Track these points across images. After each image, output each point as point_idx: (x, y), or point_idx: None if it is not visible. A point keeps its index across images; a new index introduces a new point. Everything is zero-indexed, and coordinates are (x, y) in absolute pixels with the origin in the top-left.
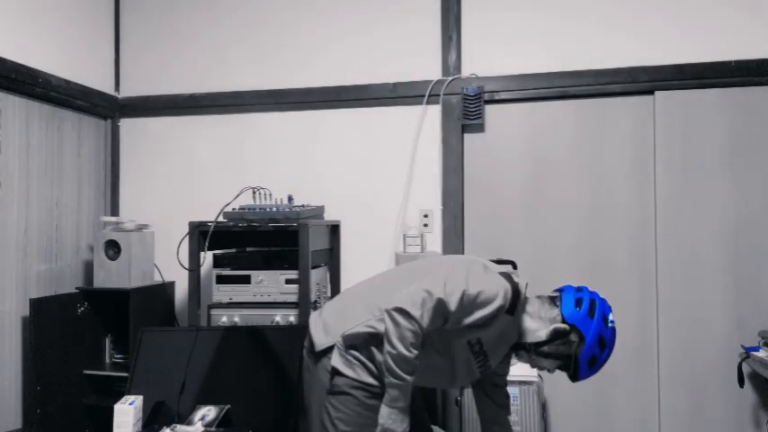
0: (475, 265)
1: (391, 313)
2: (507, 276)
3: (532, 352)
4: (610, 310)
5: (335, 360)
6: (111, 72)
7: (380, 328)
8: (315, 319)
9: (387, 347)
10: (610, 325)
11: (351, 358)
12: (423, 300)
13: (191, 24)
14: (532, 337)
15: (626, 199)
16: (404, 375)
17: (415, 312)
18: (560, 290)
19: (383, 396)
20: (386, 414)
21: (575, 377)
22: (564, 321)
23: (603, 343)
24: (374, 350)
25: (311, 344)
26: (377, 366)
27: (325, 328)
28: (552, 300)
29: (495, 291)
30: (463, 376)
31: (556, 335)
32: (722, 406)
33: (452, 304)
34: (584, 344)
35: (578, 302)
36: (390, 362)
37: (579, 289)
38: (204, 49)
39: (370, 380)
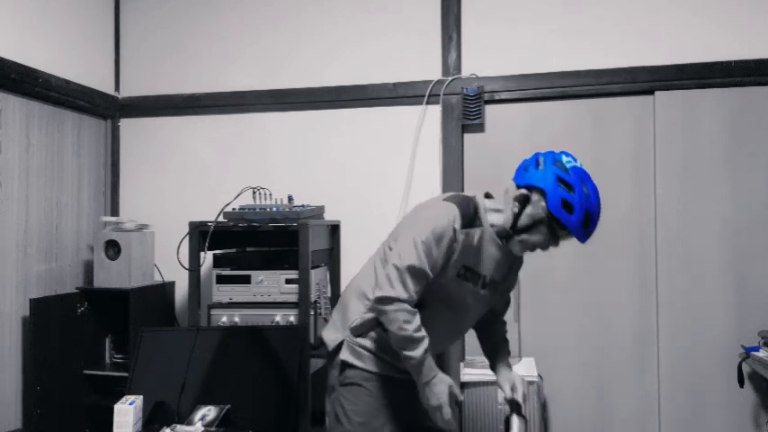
0: (420, 210)
1: (375, 306)
2: (453, 197)
3: (516, 235)
4: (567, 154)
5: (345, 354)
6: (111, 72)
7: (365, 307)
8: (326, 325)
9: (390, 336)
10: (568, 166)
11: (360, 349)
12: (392, 277)
13: (191, 24)
14: (508, 223)
15: (626, 199)
16: (413, 354)
17: (393, 292)
18: None
19: (394, 385)
20: (428, 395)
21: (573, 233)
22: (518, 188)
23: (567, 184)
24: (384, 334)
25: (325, 347)
26: (388, 351)
27: (334, 326)
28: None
29: (444, 220)
30: (474, 311)
31: (517, 203)
32: (722, 406)
33: (418, 260)
34: (546, 193)
35: (525, 166)
36: (397, 347)
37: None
38: (204, 49)
39: (379, 370)
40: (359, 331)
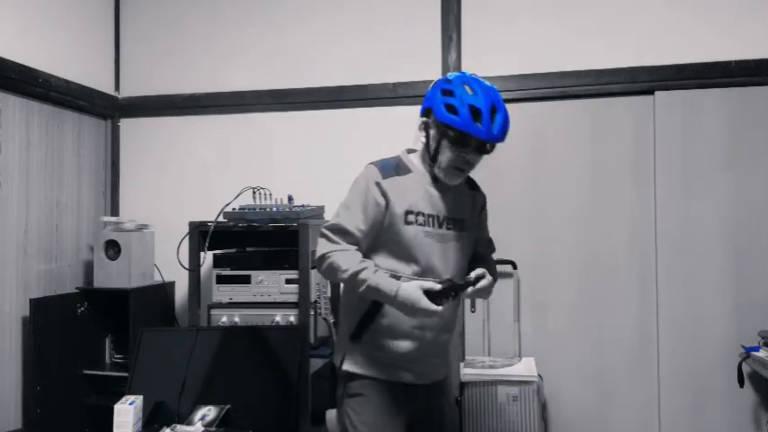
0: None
1: (319, 274)
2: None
3: (436, 162)
4: (454, 74)
5: (347, 364)
6: (111, 72)
7: (359, 307)
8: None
9: (343, 288)
10: (451, 77)
11: (359, 356)
12: (319, 241)
13: (191, 24)
14: (426, 157)
15: (626, 199)
16: (365, 281)
17: (320, 250)
18: None
19: (399, 393)
20: (403, 304)
21: (468, 132)
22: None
23: (448, 91)
24: (376, 325)
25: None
26: (385, 348)
27: (339, 341)
28: None
29: (362, 179)
30: (450, 253)
31: (421, 129)
32: (722, 406)
33: (338, 219)
34: (433, 107)
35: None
36: (353, 289)
37: None
38: (204, 49)
39: (381, 374)
40: (354, 333)
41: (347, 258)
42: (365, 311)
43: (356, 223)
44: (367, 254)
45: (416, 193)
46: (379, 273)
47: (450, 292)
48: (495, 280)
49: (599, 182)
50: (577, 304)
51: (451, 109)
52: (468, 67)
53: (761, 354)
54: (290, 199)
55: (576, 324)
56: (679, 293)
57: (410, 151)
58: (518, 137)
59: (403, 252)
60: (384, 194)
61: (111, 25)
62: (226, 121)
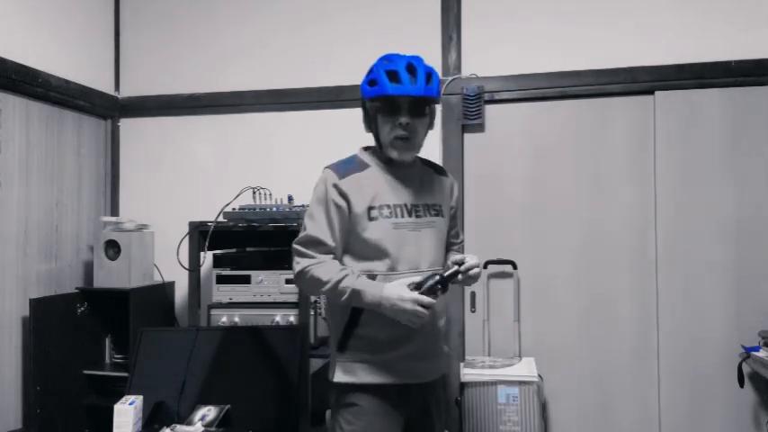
0: None
1: (298, 289)
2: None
3: (381, 143)
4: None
5: (337, 375)
6: (111, 72)
7: (342, 315)
8: None
9: (326, 300)
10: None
11: (348, 363)
12: (293, 258)
13: (191, 24)
14: (377, 143)
15: (626, 199)
16: (348, 289)
17: (296, 267)
18: None
19: (392, 396)
20: (392, 311)
21: (390, 93)
22: None
23: (370, 71)
24: (361, 329)
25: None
26: (374, 344)
27: (331, 362)
28: None
29: (320, 185)
30: (423, 242)
31: (365, 123)
32: (722, 406)
33: (305, 231)
34: (361, 90)
35: None
36: (337, 301)
37: None
38: (204, 49)
39: (372, 378)
40: (341, 342)
41: (326, 270)
42: (348, 319)
43: (325, 231)
44: (340, 257)
45: (377, 186)
46: (362, 278)
47: (437, 286)
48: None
49: (599, 182)
50: (577, 304)
51: (372, 82)
52: (468, 67)
53: (761, 354)
54: (290, 199)
55: (576, 324)
56: (679, 293)
57: (367, 149)
58: (518, 137)
59: (374, 249)
60: (343, 195)
61: (111, 25)
62: (226, 120)
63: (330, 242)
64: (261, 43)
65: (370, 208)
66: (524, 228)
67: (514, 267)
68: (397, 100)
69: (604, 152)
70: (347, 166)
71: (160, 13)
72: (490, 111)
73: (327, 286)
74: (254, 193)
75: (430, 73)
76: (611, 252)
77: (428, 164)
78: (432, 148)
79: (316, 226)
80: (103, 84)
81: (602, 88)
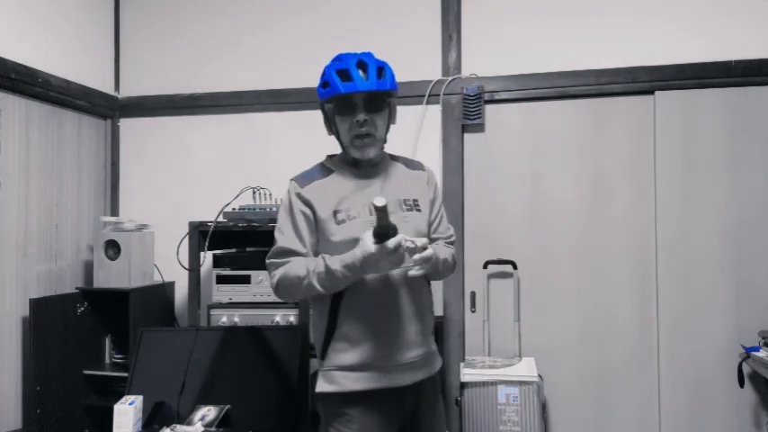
0: None
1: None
2: None
3: (344, 144)
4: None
5: (320, 385)
6: (111, 72)
7: (320, 324)
8: None
9: (312, 300)
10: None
11: (331, 371)
12: (269, 268)
13: (191, 24)
14: (340, 145)
15: (626, 199)
16: (332, 272)
17: (275, 278)
18: None
19: (382, 401)
20: (374, 266)
21: (342, 90)
22: None
23: (323, 74)
24: (338, 333)
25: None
26: (350, 352)
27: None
28: None
29: (285, 197)
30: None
31: (326, 127)
32: (722, 406)
33: (276, 243)
34: (318, 98)
35: None
36: (326, 289)
37: None
38: (204, 48)
39: (352, 387)
40: (321, 351)
41: (297, 266)
42: (327, 323)
43: (293, 240)
44: None
45: (342, 189)
46: (335, 257)
47: (388, 227)
48: (439, 260)
49: (599, 182)
50: (577, 304)
51: (325, 84)
52: (469, 67)
53: (761, 354)
54: None
55: (576, 324)
56: (679, 293)
57: (332, 156)
58: (518, 137)
59: (344, 252)
60: (306, 202)
61: (110, 25)
62: (225, 120)
63: (301, 249)
64: (261, 43)
65: (336, 212)
66: (524, 228)
67: (514, 267)
68: (351, 98)
69: (604, 152)
70: (310, 175)
71: (160, 13)
72: (490, 111)
73: (306, 280)
74: (254, 193)
75: (382, 67)
76: (612, 252)
77: (397, 159)
78: (432, 148)
79: (284, 237)
80: (103, 84)
81: (602, 88)
